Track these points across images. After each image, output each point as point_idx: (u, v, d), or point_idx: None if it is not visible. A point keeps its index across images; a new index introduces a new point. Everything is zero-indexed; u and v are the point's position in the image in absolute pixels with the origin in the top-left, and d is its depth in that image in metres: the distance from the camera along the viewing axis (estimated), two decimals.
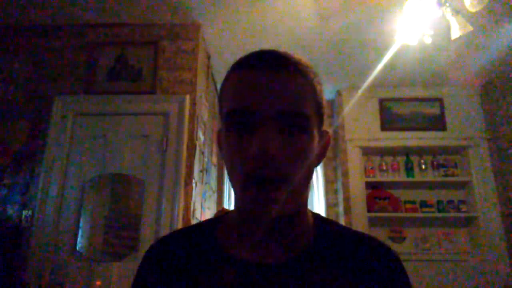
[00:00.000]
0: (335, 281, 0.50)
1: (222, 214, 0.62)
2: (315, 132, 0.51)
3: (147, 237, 2.05)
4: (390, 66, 2.81)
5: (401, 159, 3.31)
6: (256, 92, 0.48)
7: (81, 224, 2.09)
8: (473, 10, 1.78)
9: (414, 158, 3.30)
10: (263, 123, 0.46)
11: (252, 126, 0.47)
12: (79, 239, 2.06)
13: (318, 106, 0.52)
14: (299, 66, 0.51)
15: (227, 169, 0.52)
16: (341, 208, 3.20)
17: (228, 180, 3.43)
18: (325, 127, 0.57)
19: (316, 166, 0.54)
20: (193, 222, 2.17)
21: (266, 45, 0.58)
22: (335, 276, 0.50)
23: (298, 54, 0.54)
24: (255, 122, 0.47)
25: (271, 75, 0.48)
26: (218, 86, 3.27)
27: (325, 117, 0.56)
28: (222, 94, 0.54)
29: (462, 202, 3.17)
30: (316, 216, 0.59)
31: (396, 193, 3.23)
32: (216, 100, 3.38)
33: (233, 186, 0.51)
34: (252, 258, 0.51)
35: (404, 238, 3.14)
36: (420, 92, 3.31)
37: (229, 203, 3.37)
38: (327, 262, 0.52)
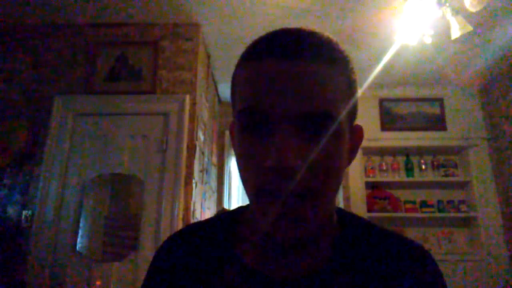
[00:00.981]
0: None
1: (240, 210, 0.56)
2: (346, 132, 0.43)
3: (147, 237, 2.05)
4: (390, 66, 2.81)
5: (401, 159, 3.31)
6: (273, 87, 0.39)
7: (81, 224, 2.09)
8: (473, 10, 1.78)
9: (414, 158, 3.30)
10: (281, 127, 0.38)
11: (268, 129, 0.39)
12: (79, 239, 2.06)
13: (352, 101, 0.44)
14: (330, 52, 0.42)
15: (239, 173, 0.45)
16: None
17: (228, 179, 3.42)
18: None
19: (346, 167, 0.46)
20: (193, 222, 2.17)
21: None
22: (363, 285, 0.45)
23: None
24: (272, 125, 0.39)
25: (292, 65, 0.39)
26: (218, 86, 3.27)
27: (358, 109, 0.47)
28: (234, 86, 0.46)
29: (462, 202, 3.17)
30: (341, 216, 0.52)
31: (396, 193, 3.23)
32: (215, 94, 3.37)
33: (247, 196, 0.44)
34: (269, 270, 0.46)
35: None
36: (420, 92, 3.31)
37: (229, 203, 3.37)
38: (352, 272, 0.46)
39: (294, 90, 0.38)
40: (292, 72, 0.39)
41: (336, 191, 0.44)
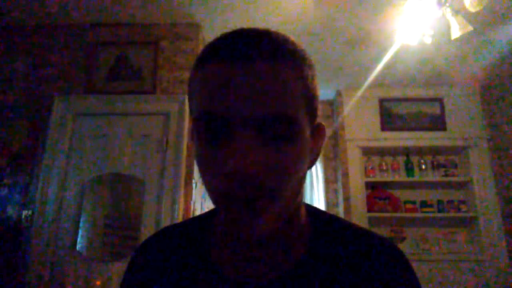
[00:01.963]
0: None
1: (213, 213, 0.56)
2: (307, 133, 0.42)
3: (147, 237, 2.05)
4: (390, 66, 2.81)
5: (401, 159, 3.31)
6: (229, 91, 0.38)
7: (81, 224, 2.09)
8: (473, 10, 1.78)
9: (414, 158, 3.30)
10: (239, 132, 0.38)
11: (226, 134, 0.39)
12: (79, 239, 2.06)
13: (310, 99, 0.43)
14: (285, 51, 0.40)
15: (201, 177, 0.44)
16: (341, 208, 3.20)
17: None
18: (326, 127, 0.50)
19: (310, 168, 0.46)
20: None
21: None
22: (334, 286, 0.45)
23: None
24: (230, 130, 0.38)
25: (247, 68, 0.38)
26: None
27: (320, 109, 0.47)
28: (191, 89, 0.45)
29: (462, 202, 3.17)
30: (312, 215, 0.52)
31: (396, 193, 3.23)
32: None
33: (211, 200, 0.44)
34: (242, 274, 0.47)
35: (404, 238, 3.14)
36: (420, 92, 3.31)
37: None
38: (325, 272, 0.46)
39: (250, 93, 0.38)
40: (246, 75, 0.38)
41: (297, 191, 0.44)
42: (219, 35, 0.43)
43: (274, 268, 0.46)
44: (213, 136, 0.40)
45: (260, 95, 0.38)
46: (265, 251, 0.46)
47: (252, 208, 0.38)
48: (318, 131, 0.47)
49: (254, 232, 0.40)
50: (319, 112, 0.47)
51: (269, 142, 0.39)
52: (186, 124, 2.24)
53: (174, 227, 0.58)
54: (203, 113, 0.40)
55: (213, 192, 0.42)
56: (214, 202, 0.43)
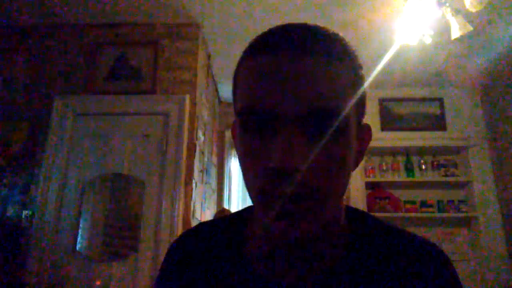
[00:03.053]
0: None
1: (248, 210, 0.55)
2: (354, 132, 0.41)
3: (147, 237, 2.05)
4: (390, 66, 2.81)
5: (401, 159, 3.31)
6: (277, 85, 0.37)
7: (81, 224, 2.09)
8: (473, 10, 1.78)
9: (414, 158, 3.30)
10: (286, 126, 0.36)
11: (273, 129, 0.37)
12: (79, 239, 2.06)
13: (361, 99, 0.42)
14: (342, 49, 0.40)
15: (242, 175, 0.43)
16: None
17: (228, 179, 3.42)
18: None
19: (354, 169, 0.44)
20: (193, 222, 2.17)
21: None
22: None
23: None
24: (276, 124, 0.37)
25: (297, 61, 0.37)
26: (218, 86, 3.27)
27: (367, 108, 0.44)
28: (236, 82, 0.44)
29: (462, 202, 3.17)
30: (351, 215, 0.50)
31: (396, 193, 3.23)
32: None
33: (250, 197, 0.42)
34: (277, 274, 0.45)
35: None
36: (420, 92, 3.31)
37: (229, 203, 3.37)
38: (364, 273, 0.44)
39: (301, 87, 0.36)
40: (299, 68, 0.37)
41: (342, 192, 0.42)
42: (270, 28, 0.41)
43: (310, 269, 0.44)
44: (259, 130, 0.38)
45: (311, 89, 0.37)
46: (302, 252, 0.44)
47: (295, 207, 0.37)
48: (364, 132, 0.46)
49: (295, 233, 0.38)
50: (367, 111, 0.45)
51: (316, 138, 0.37)
52: (186, 124, 2.23)
53: (209, 223, 0.57)
54: (250, 107, 0.38)
55: (254, 188, 0.40)
56: (254, 199, 0.41)
